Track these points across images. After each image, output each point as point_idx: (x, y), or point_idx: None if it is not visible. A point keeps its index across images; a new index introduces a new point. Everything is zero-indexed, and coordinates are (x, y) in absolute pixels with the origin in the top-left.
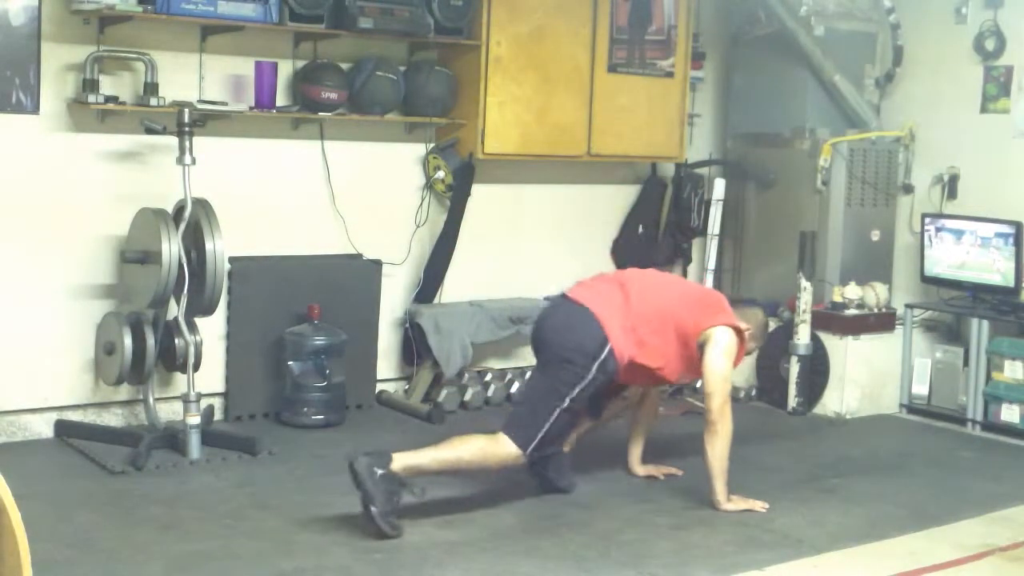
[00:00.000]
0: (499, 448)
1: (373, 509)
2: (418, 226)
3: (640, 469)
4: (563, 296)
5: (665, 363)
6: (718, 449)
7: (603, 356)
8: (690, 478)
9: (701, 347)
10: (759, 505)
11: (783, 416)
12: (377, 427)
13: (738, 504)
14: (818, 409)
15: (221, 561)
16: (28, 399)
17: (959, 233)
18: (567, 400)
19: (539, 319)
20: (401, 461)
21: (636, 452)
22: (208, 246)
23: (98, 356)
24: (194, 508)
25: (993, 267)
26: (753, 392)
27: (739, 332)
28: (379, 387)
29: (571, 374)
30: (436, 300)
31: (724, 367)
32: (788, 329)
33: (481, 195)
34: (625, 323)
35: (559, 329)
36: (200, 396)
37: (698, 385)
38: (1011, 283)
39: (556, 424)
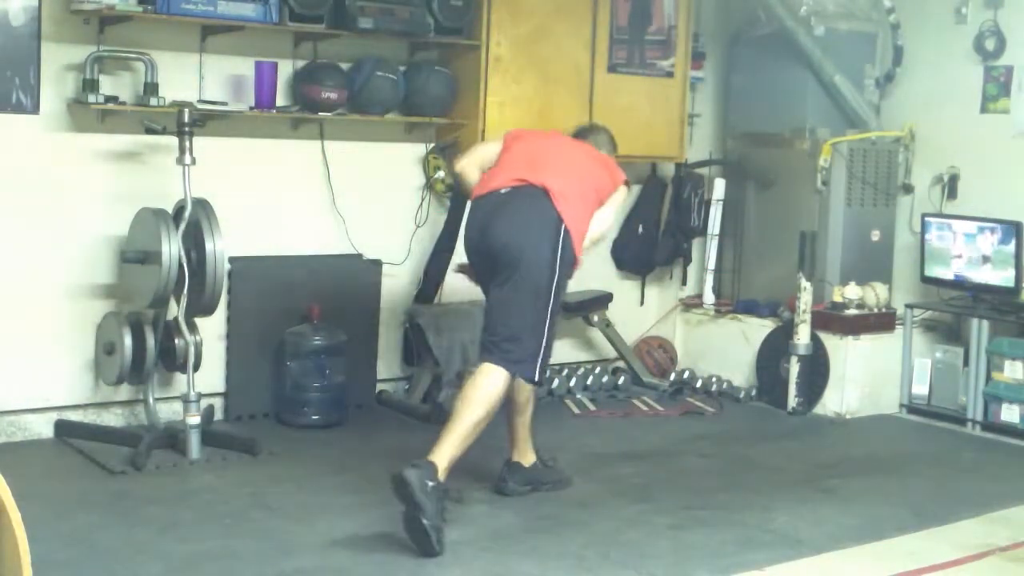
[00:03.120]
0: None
1: (425, 522)
2: (418, 226)
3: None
4: (503, 191)
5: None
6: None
7: (561, 240)
8: (691, 479)
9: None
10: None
11: (783, 416)
12: (377, 427)
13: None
14: (818, 409)
15: (221, 561)
16: (28, 399)
17: (959, 233)
18: (549, 308)
19: (484, 218)
20: (441, 464)
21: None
22: (208, 246)
23: (98, 356)
24: (194, 508)
25: (993, 267)
26: (753, 392)
27: (627, 184)
28: (379, 387)
29: (543, 276)
30: (436, 300)
31: (612, 222)
32: (788, 329)
33: None
34: (568, 193)
35: (517, 224)
36: (200, 396)
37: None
38: (1011, 283)
39: (551, 340)
